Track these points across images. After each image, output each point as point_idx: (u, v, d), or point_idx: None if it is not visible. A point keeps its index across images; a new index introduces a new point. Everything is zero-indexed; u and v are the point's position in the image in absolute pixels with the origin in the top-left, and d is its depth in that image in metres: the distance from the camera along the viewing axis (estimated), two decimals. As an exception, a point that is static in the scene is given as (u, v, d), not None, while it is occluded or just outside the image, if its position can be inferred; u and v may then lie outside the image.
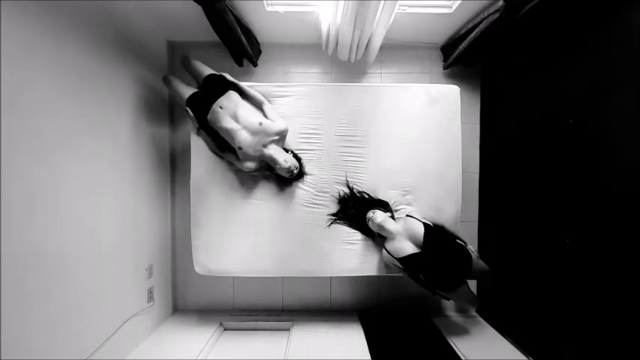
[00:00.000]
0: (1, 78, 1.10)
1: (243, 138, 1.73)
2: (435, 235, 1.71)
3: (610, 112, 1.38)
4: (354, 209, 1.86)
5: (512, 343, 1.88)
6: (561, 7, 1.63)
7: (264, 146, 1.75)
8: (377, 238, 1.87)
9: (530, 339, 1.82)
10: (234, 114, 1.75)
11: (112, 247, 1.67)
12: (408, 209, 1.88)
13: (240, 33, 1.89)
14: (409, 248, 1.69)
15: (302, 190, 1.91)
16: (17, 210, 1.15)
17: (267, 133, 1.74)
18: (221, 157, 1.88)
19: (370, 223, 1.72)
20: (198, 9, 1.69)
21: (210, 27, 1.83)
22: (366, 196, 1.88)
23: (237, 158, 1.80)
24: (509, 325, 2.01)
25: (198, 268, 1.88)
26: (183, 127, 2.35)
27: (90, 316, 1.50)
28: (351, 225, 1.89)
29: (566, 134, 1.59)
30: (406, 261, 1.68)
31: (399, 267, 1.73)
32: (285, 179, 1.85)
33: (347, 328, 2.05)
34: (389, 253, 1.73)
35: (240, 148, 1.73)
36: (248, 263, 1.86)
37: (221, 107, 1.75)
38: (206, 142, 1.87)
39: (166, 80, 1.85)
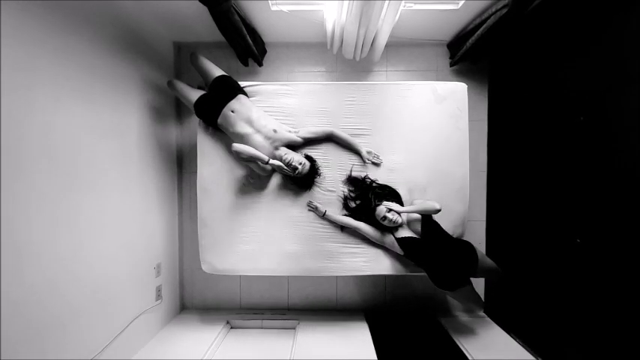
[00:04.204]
0: (11, 78, 1.12)
1: (257, 142, 1.75)
2: (435, 227, 1.73)
3: (622, 109, 1.34)
4: (364, 200, 1.83)
5: (520, 344, 1.86)
6: (570, 1, 1.59)
7: (276, 148, 1.80)
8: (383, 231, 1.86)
9: (539, 339, 1.80)
10: (248, 118, 1.76)
11: (120, 246, 1.69)
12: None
13: (246, 33, 1.89)
14: (408, 234, 1.75)
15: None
16: (25, 209, 1.18)
17: (280, 140, 1.79)
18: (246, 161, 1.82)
19: (386, 222, 1.71)
20: (203, 9, 1.70)
21: (216, 27, 1.84)
22: (375, 185, 1.86)
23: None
24: (518, 325, 1.99)
25: (205, 267, 1.90)
26: (190, 127, 2.37)
27: (99, 314, 1.53)
28: (359, 218, 1.87)
29: (577, 131, 1.56)
30: (404, 243, 1.72)
31: (398, 252, 1.77)
32: (302, 184, 1.85)
33: (353, 328, 2.05)
34: (393, 234, 1.77)
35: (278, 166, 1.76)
36: (254, 262, 1.87)
37: (233, 111, 1.76)
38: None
39: (171, 84, 1.87)
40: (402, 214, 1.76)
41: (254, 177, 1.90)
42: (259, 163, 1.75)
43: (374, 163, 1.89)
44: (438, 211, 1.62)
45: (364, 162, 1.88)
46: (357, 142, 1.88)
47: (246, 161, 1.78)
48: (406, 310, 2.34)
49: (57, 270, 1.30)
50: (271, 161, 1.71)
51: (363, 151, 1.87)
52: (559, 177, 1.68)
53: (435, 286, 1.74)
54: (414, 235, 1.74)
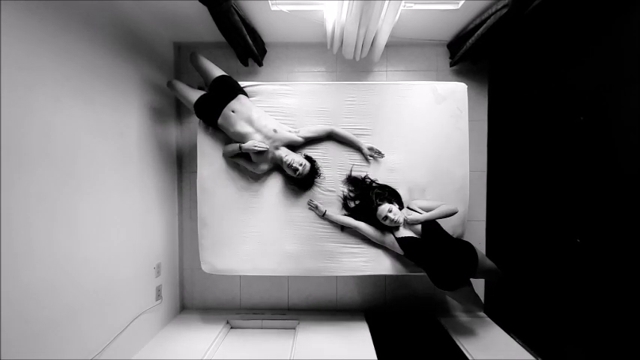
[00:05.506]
0: (11, 77, 1.12)
1: (258, 141, 1.75)
2: (435, 227, 1.73)
3: (622, 109, 1.34)
4: (365, 200, 1.83)
5: (520, 344, 1.86)
6: (570, 2, 1.59)
7: (276, 148, 1.80)
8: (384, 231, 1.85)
9: (539, 339, 1.80)
10: (249, 118, 1.77)
11: (120, 246, 1.69)
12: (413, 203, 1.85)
13: (246, 33, 1.89)
14: (408, 234, 1.75)
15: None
16: (25, 209, 1.18)
17: (280, 140, 1.79)
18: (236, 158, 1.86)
19: (388, 222, 1.71)
20: (203, 9, 1.70)
21: (216, 27, 1.84)
22: (375, 185, 1.86)
23: (249, 161, 1.82)
24: (518, 325, 1.99)
25: (205, 267, 1.90)
26: (190, 127, 2.37)
27: (99, 314, 1.53)
28: (359, 218, 1.87)
29: (577, 131, 1.56)
30: (404, 242, 1.73)
31: (398, 251, 1.77)
32: (302, 184, 1.85)
33: (353, 328, 2.05)
34: (393, 234, 1.77)
35: (254, 152, 1.76)
36: (254, 262, 1.87)
37: (233, 111, 1.76)
38: (232, 154, 1.83)
39: (171, 85, 1.87)
40: (403, 214, 1.75)
41: (254, 177, 1.90)
42: (248, 167, 1.82)
43: (376, 159, 1.89)
44: (456, 212, 1.71)
45: (366, 158, 1.88)
46: (357, 139, 1.88)
47: (233, 158, 1.83)
48: (406, 310, 2.34)
49: (57, 270, 1.30)
50: (243, 146, 1.73)
51: (364, 147, 1.87)
52: (559, 177, 1.68)
53: (435, 286, 1.73)
54: (414, 235, 1.74)
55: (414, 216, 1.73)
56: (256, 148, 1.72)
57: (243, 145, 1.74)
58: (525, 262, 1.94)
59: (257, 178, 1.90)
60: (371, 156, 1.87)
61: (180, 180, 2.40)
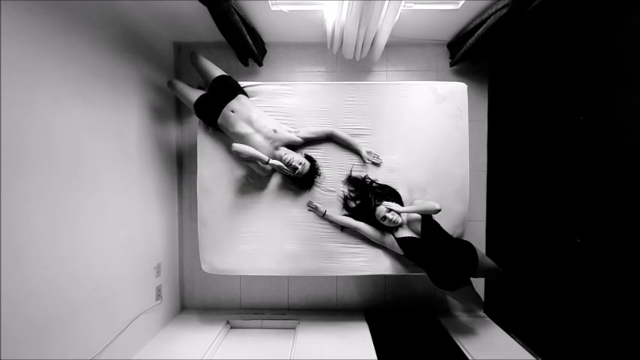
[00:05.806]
0: (11, 78, 1.12)
1: (257, 142, 1.76)
2: (435, 227, 1.73)
3: (622, 109, 1.34)
4: (364, 200, 1.83)
5: (520, 344, 1.86)
6: (570, 1, 1.59)
7: (276, 148, 1.80)
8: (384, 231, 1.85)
9: (539, 339, 1.80)
10: (248, 118, 1.77)
11: (120, 246, 1.69)
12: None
13: (246, 33, 1.89)
14: (408, 234, 1.75)
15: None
16: (25, 209, 1.18)
17: (280, 140, 1.79)
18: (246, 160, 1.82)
19: (386, 222, 1.71)
20: (203, 9, 1.70)
21: (216, 27, 1.84)
22: (375, 185, 1.86)
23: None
24: (518, 325, 1.99)
25: (205, 267, 1.90)
26: (190, 127, 2.37)
27: (99, 314, 1.53)
28: (359, 218, 1.87)
29: (577, 131, 1.56)
30: (404, 243, 1.72)
31: (398, 252, 1.77)
32: (302, 184, 1.85)
33: (353, 328, 2.05)
34: (393, 234, 1.77)
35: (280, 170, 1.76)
36: (254, 262, 1.87)
37: (233, 111, 1.76)
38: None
39: (171, 84, 1.87)
40: (402, 214, 1.76)
41: (254, 177, 1.90)
42: (259, 163, 1.75)
43: (374, 163, 1.89)
44: (438, 211, 1.62)
45: (364, 162, 1.88)
46: (357, 142, 1.88)
47: (246, 161, 1.78)
48: (406, 310, 2.34)
49: (57, 270, 1.30)
50: (271, 161, 1.71)
51: (363, 151, 1.87)
52: (559, 177, 1.68)
53: (435, 286, 1.74)
54: (414, 235, 1.74)
55: (396, 207, 1.72)
56: (283, 170, 1.73)
57: (272, 161, 1.71)
58: (525, 262, 1.94)
59: (258, 177, 1.90)
60: (369, 160, 1.88)
61: (180, 180, 2.40)
